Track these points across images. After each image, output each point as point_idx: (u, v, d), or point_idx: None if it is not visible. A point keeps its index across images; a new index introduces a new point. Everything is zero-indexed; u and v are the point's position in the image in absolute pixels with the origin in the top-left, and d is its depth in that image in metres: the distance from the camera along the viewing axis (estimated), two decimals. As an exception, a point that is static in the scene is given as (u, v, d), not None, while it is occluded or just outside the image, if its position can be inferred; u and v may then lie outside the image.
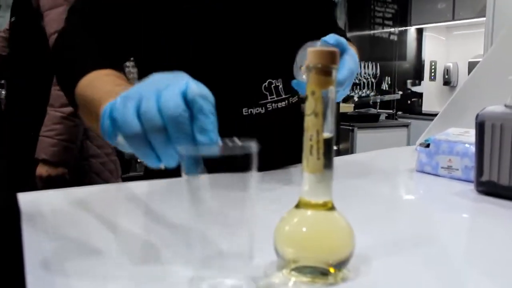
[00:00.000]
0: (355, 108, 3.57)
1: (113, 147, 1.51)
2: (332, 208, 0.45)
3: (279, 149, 0.99)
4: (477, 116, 0.83)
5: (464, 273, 0.49)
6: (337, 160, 1.21)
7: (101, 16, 0.86)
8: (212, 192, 0.40)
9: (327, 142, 0.43)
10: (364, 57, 3.92)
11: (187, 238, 0.49)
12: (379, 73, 3.87)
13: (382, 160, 1.22)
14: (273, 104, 0.96)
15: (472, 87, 1.11)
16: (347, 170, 1.06)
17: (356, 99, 3.56)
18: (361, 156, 1.34)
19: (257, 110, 0.94)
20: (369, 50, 4.03)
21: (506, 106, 0.81)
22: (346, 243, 0.44)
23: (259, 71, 0.97)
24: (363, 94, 3.82)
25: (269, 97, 0.96)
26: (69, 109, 1.31)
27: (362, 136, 2.83)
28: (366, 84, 3.84)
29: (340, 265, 0.43)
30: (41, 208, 0.70)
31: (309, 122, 0.43)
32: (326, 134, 0.43)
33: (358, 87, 3.80)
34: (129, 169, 1.79)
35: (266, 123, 0.94)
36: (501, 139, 0.79)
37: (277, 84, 0.99)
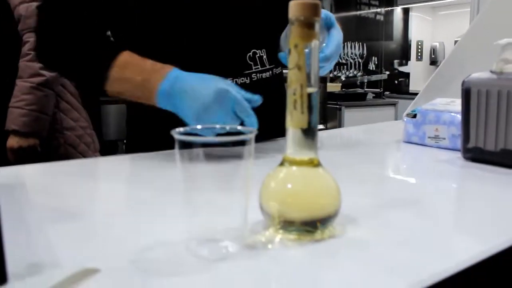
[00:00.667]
0: (342, 87, 3.56)
1: (89, 120, 1.49)
2: (318, 165, 0.44)
3: (264, 119, 0.98)
4: (463, 82, 0.82)
5: (450, 231, 0.49)
6: (324, 133, 1.21)
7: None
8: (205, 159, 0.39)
9: (311, 96, 0.42)
10: (350, 37, 3.90)
11: (176, 200, 0.48)
12: (365, 53, 3.85)
13: (370, 133, 1.22)
14: (258, 74, 0.96)
15: (457, 58, 1.10)
16: (333, 143, 1.06)
17: (343, 78, 3.55)
18: (348, 129, 1.33)
19: (242, 80, 0.94)
20: (356, 31, 4.01)
21: (491, 72, 0.81)
22: (332, 199, 0.43)
23: (244, 41, 0.96)
24: (350, 74, 3.81)
25: (253, 67, 0.95)
26: (38, 79, 1.29)
27: (349, 114, 2.82)
28: (353, 65, 3.83)
29: (326, 221, 0.43)
30: (20, 181, 0.68)
31: (293, 76, 0.42)
32: (310, 89, 0.42)
33: (345, 67, 3.79)
34: (116, 151, 1.77)
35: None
36: (487, 105, 0.79)
37: (261, 54, 0.98)
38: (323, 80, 2.84)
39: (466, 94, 0.82)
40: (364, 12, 4.08)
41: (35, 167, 0.79)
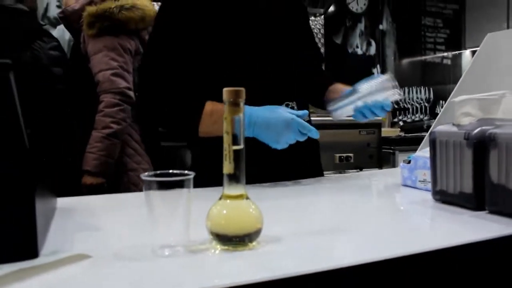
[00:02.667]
0: (406, 132, 3.62)
1: (150, 163, 1.78)
2: (246, 198, 0.63)
3: (291, 162, 1.20)
4: (430, 133, 0.97)
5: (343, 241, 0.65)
6: (341, 176, 1.36)
7: (170, 62, 1.15)
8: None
9: (236, 152, 0.62)
10: (416, 82, 3.97)
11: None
12: (432, 97, 3.89)
13: (380, 176, 1.36)
14: None
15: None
16: (342, 182, 1.22)
17: (401, 124, 3.62)
18: (370, 172, 1.47)
19: None
20: (421, 75, 4.07)
21: (453, 124, 0.94)
22: (254, 222, 0.62)
23: (278, 94, 1.21)
24: (416, 119, 3.85)
25: None
26: (108, 130, 1.61)
27: (403, 158, 2.88)
28: (419, 109, 3.88)
29: (249, 237, 0.62)
30: (84, 206, 0.94)
31: (224, 138, 0.62)
32: (235, 147, 0.62)
33: (407, 111, 3.85)
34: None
35: None
36: (447, 153, 0.92)
37: (292, 105, 1.22)
38: (377, 126, 2.96)
39: (433, 144, 0.96)
40: (429, 57, 4.14)
41: (100, 197, 1.06)
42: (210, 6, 1.17)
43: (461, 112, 0.93)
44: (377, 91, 1.14)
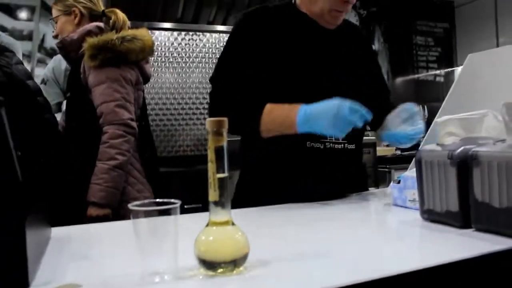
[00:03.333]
0: (402, 150, 3.64)
1: (151, 191, 1.79)
2: (232, 224, 0.65)
3: (329, 181, 1.30)
4: (416, 153, 0.99)
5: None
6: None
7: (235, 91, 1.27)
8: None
9: (221, 180, 0.64)
10: (410, 100, 4.00)
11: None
12: (427, 115, 3.92)
13: (375, 196, 1.37)
14: (331, 144, 1.28)
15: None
16: (333, 204, 1.23)
17: (396, 142, 3.64)
18: (363, 192, 1.48)
19: (317, 145, 1.26)
20: (415, 93, 4.12)
21: (437, 144, 0.97)
22: (240, 247, 0.64)
23: None
24: (412, 137, 3.87)
25: (328, 138, 1.27)
26: (114, 162, 1.62)
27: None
28: (414, 127, 3.90)
29: (236, 263, 0.63)
30: (79, 235, 0.95)
31: (209, 167, 0.64)
32: (220, 175, 0.64)
33: (403, 130, 3.87)
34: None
35: (323, 157, 1.27)
36: (433, 173, 0.94)
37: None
38: (372, 145, 2.99)
39: (419, 164, 0.98)
40: (422, 75, 4.20)
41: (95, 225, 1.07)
42: (277, 42, 1.29)
43: (445, 132, 0.96)
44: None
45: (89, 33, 1.75)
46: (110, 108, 1.64)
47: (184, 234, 0.64)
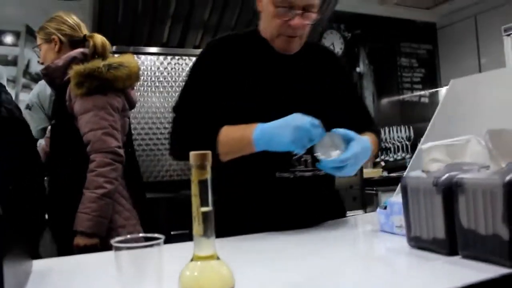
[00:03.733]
0: (389, 172, 3.65)
1: (138, 218, 1.75)
2: (216, 258, 0.64)
3: (302, 210, 1.27)
4: (401, 180, 0.98)
5: None
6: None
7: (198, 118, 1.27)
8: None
9: (205, 214, 0.63)
10: (395, 121, 4.05)
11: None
12: (413, 135, 3.96)
13: (362, 222, 1.36)
14: (300, 172, 1.25)
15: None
16: (319, 230, 1.22)
17: (383, 164, 3.66)
18: (349, 217, 1.48)
19: (287, 174, 1.24)
20: (400, 114, 4.16)
21: (422, 171, 0.97)
22: (225, 282, 0.62)
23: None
24: (398, 157, 3.90)
25: (297, 167, 1.25)
26: (102, 190, 1.59)
27: (386, 198, 2.90)
28: (400, 147, 3.94)
29: (220, 299, 0.62)
30: (60, 268, 0.93)
31: (193, 200, 0.63)
32: (204, 209, 0.63)
33: (389, 151, 3.91)
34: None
35: (293, 186, 1.25)
36: (418, 200, 0.94)
37: (306, 158, 1.27)
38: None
39: (404, 191, 0.97)
40: (407, 96, 4.25)
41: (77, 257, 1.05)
42: (238, 69, 1.28)
43: (429, 159, 0.96)
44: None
45: (73, 59, 1.75)
46: (98, 136, 1.63)
47: (170, 265, 0.63)
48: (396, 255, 0.95)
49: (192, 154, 0.64)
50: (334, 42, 3.91)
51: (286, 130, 1.08)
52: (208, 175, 0.64)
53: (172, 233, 2.25)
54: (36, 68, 2.95)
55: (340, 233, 1.21)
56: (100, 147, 1.62)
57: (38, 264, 0.93)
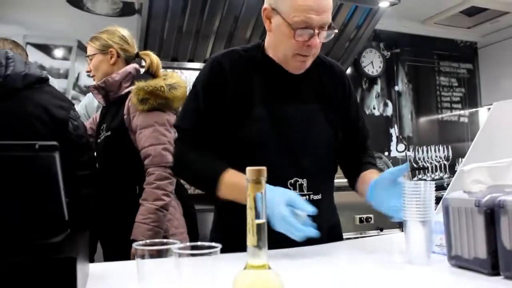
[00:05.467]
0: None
1: (185, 226, 1.82)
2: (268, 268, 0.68)
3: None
4: (443, 200, 1.01)
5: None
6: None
7: (202, 136, 1.28)
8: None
9: (259, 226, 0.68)
10: (433, 140, 4.02)
11: None
12: (451, 155, 3.91)
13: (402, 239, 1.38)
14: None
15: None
16: (360, 248, 1.25)
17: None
18: (388, 235, 1.50)
19: None
20: (439, 134, 4.12)
21: (464, 191, 0.99)
22: (276, 292, 0.67)
23: (290, 170, 1.28)
24: (436, 177, 3.86)
25: (297, 190, 1.26)
26: (161, 202, 1.68)
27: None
28: (438, 167, 3.89)
29: (273, 306, 0.66)
30: (112, 272, 1.00)
31: (248, 213, 0.68)
32: (258, 221, 0.68)
33: (427, 170, 3.86)
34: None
35: None
36: (460, 219, 0.96)
37: (302, 182, 1.28)
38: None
39: (446, 211, 1.00)
40: (446, 115, 4.20)
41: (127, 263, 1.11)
42: (242, 87, 1.27)
43: (471, 180, 0.98)
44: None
45: (128, 74, 1.84)
46: (158, 151, 1.71)
47: (223, 272, 0.68)
48: (437, 273, 0.97)
49: (249, 169, 0.69)
50: (373, 61, 3.92)
51: (273, 219, 1.05)
52: (263, 189, 0.69)
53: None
54: (85, 81, 3.10)
55: (379, 251, 1.23)
56: (160, 162, 1.70)
57: (93, 268, 1.01)
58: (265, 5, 1.26)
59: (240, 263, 0.70)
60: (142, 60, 1.96)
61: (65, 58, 3.05)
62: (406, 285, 0.90)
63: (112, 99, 1.87)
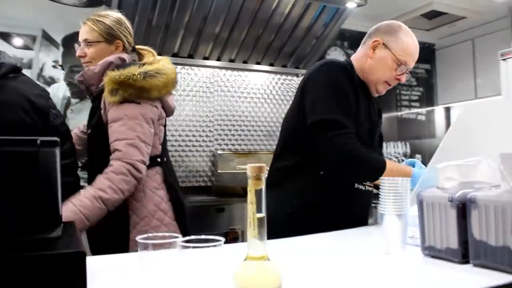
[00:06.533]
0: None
1: (179, 231, 1.68)
2: (267, 259, 0.73)
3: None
4: (417, 195, 1.08)
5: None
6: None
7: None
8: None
9: (260, 219, 0.72)
10: (393, 137, 4.17)
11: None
12: (409, 151, 4.08)
13: (375, 231, 1.46)
14: (368, 187, 1.69)
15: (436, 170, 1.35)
16: (346, 235, 1.31)
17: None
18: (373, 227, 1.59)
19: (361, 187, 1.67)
20: (398, 131, 4.28)
21: (437, 187, 1.07)
22: (274, 280, 0.71)
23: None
24: (395, 172, 4.02)
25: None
26: (102, 193, 1.46)
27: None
28: (397, 162, 4.05)
29: (271, 295, 0.71)
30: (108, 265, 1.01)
31: (249, 208, 0.72)
32: (259, 215, 0.72)
33: (387, 165, 4.02)
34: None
35: (357, 196, 1.67)
36: (434, 213, 1.03)
37: None
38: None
39: (421, 205, 1.07)
40: (405, 113, 4.38)
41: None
42: (354, 95, 1.58)
43: (444, 177, 1.06)
44: None
45: (110, 65, 1.63)
46: (121, 146, 1.53)
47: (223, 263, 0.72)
48: (412, 262, 1.04)
49: (250, 166, 0.73)
50: (338, 59, 4.03)
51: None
52: (263, 185, 0.73)
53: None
54: (50, 71, 3.02)
55: (363, 241, 1.31)
56: (121, 157, 1.52)
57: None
58: (377, 38, 1.63)
59: (240, 255, 0.74)
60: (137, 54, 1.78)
61: (28, 48, 2.96)
62: (385, 273, 0.97)
63: (95, 93, 1.68)
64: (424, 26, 4.04)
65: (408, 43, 1.63)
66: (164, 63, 1.67)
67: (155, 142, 1.65)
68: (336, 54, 4.02)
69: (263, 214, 0.72)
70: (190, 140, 3.41)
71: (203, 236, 0.73)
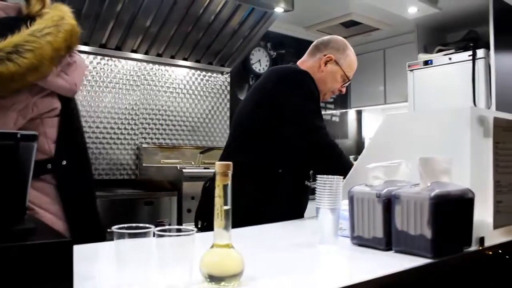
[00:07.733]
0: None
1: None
2: (231, 247, 0.82)
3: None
4: (349, 192, 1.23)
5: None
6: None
7: None
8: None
9: (226, 211, 0.81)
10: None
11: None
12: (325, 150, 4.33)
13: (312, 225, 1.60)
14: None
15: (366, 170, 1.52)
16: (289, 226, 1.43)
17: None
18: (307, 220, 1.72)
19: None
20: (315, 130, 4.54)
21: (366, 185, 1.22)
22: (237, 266, 0.80)
23: None
24: (311, 169, 4.26)
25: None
26: None
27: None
28: (313, 160, 4.29)
29: (233, 278, 0.80)
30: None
31: (216, 201, 0.81)
32: (225, 207, 0.81)
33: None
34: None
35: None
36: (363, 207, 1.18)
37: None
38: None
39: (351, 200, 1.22)
40: (321, 114, 4.66)
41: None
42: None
43: (372, 176, 1.21)
44: None
45: None
46: None
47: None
48: (344, 250, 1.19)
49: (218, 164, 0.82)
50: (261, 59, 4.18)
51: None
52: (229, 181, 0.82)
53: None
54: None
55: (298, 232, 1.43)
56: None
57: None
58: (329, 54, 1.87)
59: (207, 243, 0.82)
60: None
61: None
62: (319, 260, 1.10)
63: None
64: (341, 34, 4.30)
65: (353, 60, 1.92)
66: (48, 21, 1.14)
67: (42, 143, 1.23)
68: (259, 55, 4.17)
69: (228, 207, 0.81)
70: (115, 133, 3.36)
71: (176, 226, 0.80)
